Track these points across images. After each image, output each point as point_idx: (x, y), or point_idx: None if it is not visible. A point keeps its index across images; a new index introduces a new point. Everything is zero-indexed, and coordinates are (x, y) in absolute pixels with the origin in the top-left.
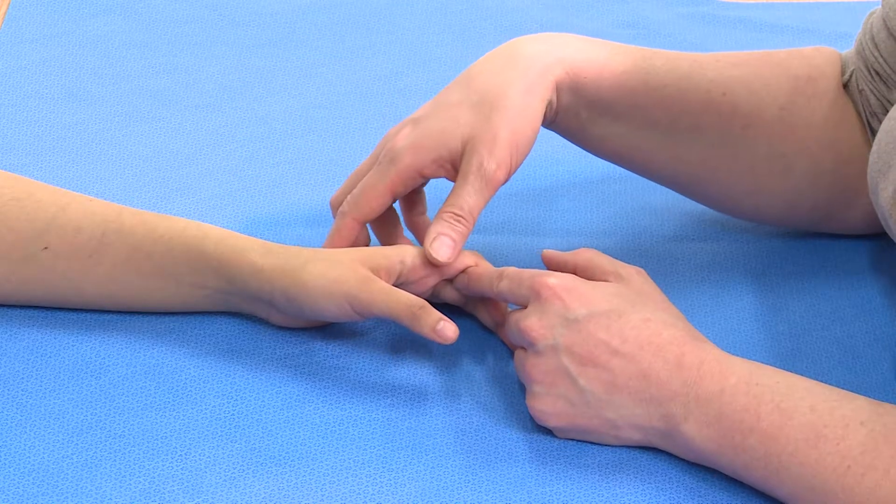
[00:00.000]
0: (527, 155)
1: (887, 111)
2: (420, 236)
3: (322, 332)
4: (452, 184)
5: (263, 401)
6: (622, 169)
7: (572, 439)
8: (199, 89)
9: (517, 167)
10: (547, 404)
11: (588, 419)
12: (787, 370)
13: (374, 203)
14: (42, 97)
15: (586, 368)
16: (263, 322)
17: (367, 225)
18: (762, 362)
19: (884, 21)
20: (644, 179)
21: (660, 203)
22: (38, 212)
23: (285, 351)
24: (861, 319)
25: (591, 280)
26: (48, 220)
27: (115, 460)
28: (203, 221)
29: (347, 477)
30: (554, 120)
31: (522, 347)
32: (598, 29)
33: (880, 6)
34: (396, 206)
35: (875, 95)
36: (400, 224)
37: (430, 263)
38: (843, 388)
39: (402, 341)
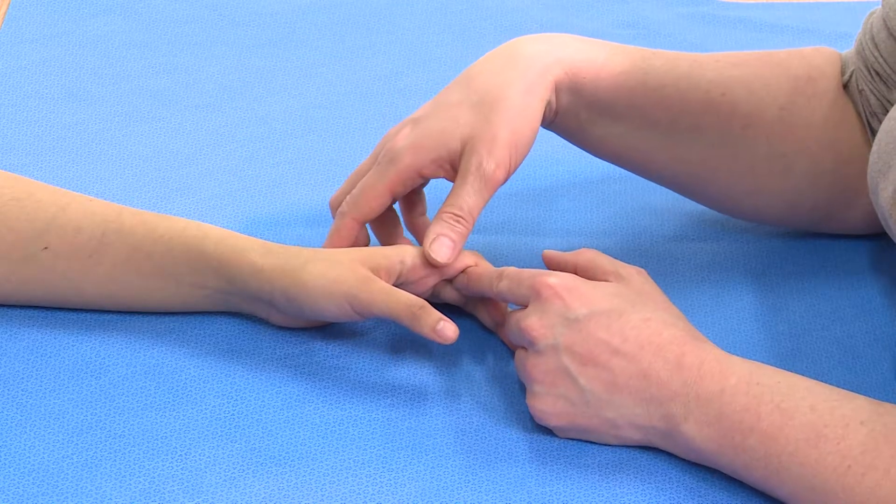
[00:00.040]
0: (526, 155)
1: (887, 111)
2: (420, 237)
3: (322, 332)
4: (452, 184)
5: (263, 401)
6: (622, 169)
7: (572, 439)
8: (199, 89)
9: (516, 167)
10: (547, 404)
11: (588, 419)
12: (787, 370)
13: (374, 203)
14: (42, 97)
15: (587, 368)
16: (263, 322)
17: (367, 225)
18: (762, 362)
19: (884, 21)
20: (644, 179)
21: (660, 203)
22: (38, 212)
23: (285, 351)
24: (861, 319)
25: (591, 280)
26: (48, 220)
27: (115, 460)
28: (203, 221)
29: (347, 477)
30: (553, 120)
31: (523, 347)
32: (598, 29)
33: (880, 6)
34: (397, 206)
35: (875, 95)
36: (400, 224)
37: (430, 263)
38: (843, 388)
39: (402, 341)
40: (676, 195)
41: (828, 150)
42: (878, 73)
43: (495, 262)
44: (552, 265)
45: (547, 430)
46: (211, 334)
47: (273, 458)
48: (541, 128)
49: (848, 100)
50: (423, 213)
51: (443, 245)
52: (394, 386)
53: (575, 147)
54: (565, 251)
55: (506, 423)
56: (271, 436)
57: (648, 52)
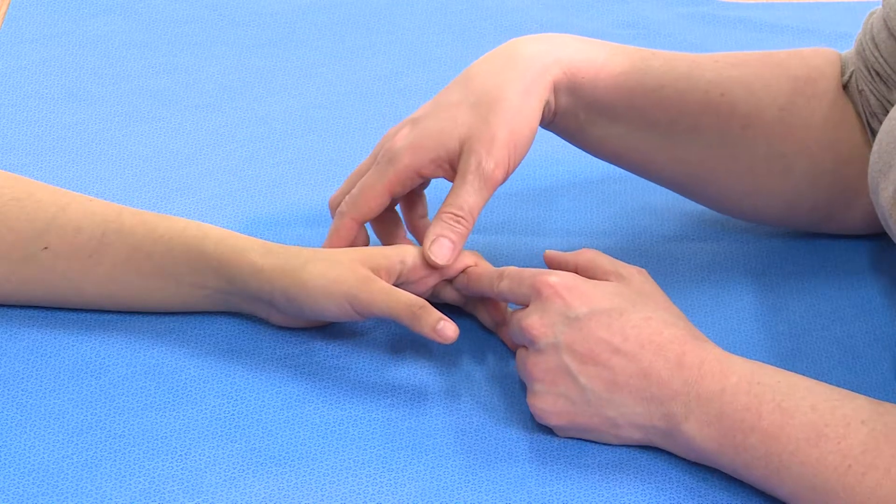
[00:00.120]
0: (524, 155)
1: (887, 111)
2: (421, 238)
3: (322, 332)
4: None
5: (263, 401)
6: (622, 169)
7: (573, 438)
8: (199, 89)
9: (515, 167)
10: (548, 403)
11: (588, 417)
12: (787, 370)
13: (373, 203)
14: (42, 97)
15: (587, 367)
16: (263, 322)
17: (367, 225)
18: (762, 362)
19: (884, 21)
20: (644, 179)
21: (660, 203)
22: (38, 212)
23: (285, 351)
24: (861, 319)
25: (592, 280)
26: (48, 220)
27: (115, 460)
28: (203, 221)
29: (347, 477)
30: (553, 121)
31: (524, 346)
32: (598, 29)
33: (880, 6)
34: (398, 207)
35: (875, 96)
36: (401, 225)
37: (430, 264)
38: (843, 388)
39: (402, 341)
40: (676, 195)
41: (827, 151)
42: (878, 74)
43: (495, 262)
44: (553, 265)
45: (547, 430)
46: (211, 334)
47: (273, 458)
48: (540, 128)
49: (848, 100)
50: (424, 215)
51: (442, 247)
52: (394, 386)
53: (575, 147)
54: (565, 251)
55: (506, 423)
56: (271, 436)
57: (648, 53)
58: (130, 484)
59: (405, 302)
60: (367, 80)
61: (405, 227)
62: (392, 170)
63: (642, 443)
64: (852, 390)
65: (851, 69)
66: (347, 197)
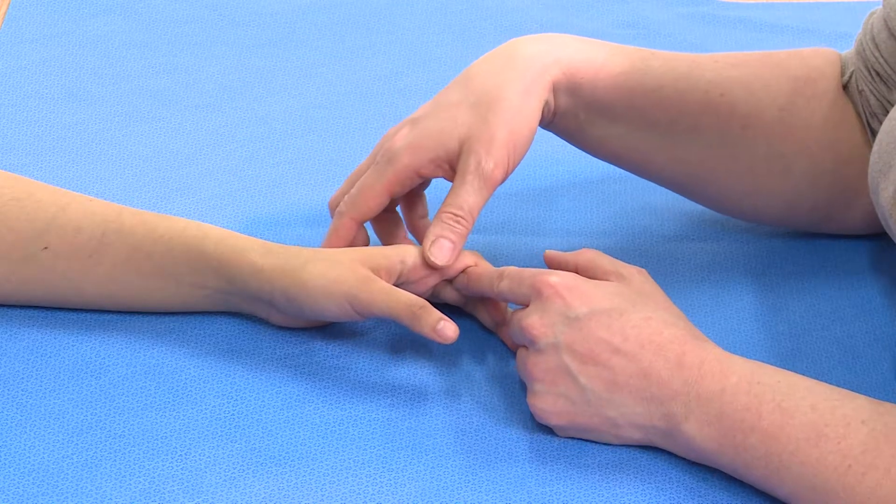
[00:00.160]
0: (524, 155)
1: (887, 111)
2: (421, 238)
3: (322, 332)
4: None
5: (263, 401)
6: (622, 169)
7: (573, 438)
8: (199, 89)
9: (514, 167)
10: (548, 403)
11: (588, 417)
12: (787, 370)
13: (372, 203)
14: (42, 97)
15: (587, 367)
16: (263, 322)
17: (367, 225)
18: (762, 362)
19: (884, 21)
20: (644, 179)
21: (660, 203)
22: (38, 212)
23: (285, 351)
24: (861, 319)
25: (592, 280)
26: (48, 220)
27: (115, 460)
28: (203, 221)
29: (347, 477)
30: (552, 121)
31: (524, 346)
32: (598, 29)
33: (880, 6)
34: (398, 208)
35: (875, 96)
36: (402, 225)
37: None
38: (843, 388)
39: (402, 341)
40: (676, 195)
41: (827, 151)
42: (878, 74)
43: (495, 262)
44: (553, 265)
45: (547, 430)
46: (211, 334)
47: (273, 458)
48: (540, 128)
49: (848, 100)
50: (425, 215)
51: (442, 247)
52: (394, 386)
53: (575, 147)
54: (565, 251)
55: (506, 423)
56: (271, 436)
57: (647, 53)
58: (130, 484)
59: (405, 302)
60: (367, 80)
61: (405, 227)
62: (391, 170)
63: (642, 443)
64: (852, 390)
65: (851, 69)
66: (346, 197)
